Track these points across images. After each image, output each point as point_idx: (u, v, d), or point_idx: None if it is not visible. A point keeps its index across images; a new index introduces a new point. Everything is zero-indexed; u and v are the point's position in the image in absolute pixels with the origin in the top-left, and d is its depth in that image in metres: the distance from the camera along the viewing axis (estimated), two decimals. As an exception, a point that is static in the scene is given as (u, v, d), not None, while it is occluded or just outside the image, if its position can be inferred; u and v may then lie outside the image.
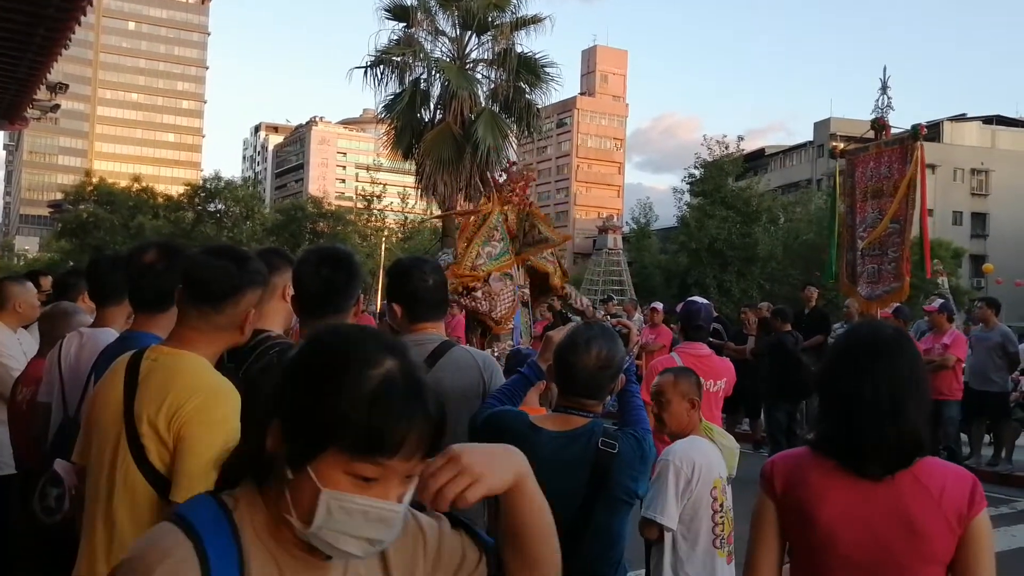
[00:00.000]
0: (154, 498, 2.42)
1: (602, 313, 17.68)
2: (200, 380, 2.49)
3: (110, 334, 3.61)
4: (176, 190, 67.28)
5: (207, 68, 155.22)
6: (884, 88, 11.69)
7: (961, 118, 70.80)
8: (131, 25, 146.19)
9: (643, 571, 3.94)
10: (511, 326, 8.09)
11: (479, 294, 8.27)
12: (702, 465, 3.90)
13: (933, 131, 63.52)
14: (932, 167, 59.11)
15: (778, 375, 11.33)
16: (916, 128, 10.77)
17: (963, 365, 11.26)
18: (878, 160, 11.17)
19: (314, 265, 3.01)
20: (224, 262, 2.61)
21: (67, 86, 14.17)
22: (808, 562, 2.28)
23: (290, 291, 3.22)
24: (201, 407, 2.41)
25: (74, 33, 9.22)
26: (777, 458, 2.41)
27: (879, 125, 11.51)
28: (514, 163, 12.64)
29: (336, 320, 3.05)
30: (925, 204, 10.64)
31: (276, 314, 3.40)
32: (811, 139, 71.02)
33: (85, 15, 8.93)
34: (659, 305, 14.76)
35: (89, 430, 2.63)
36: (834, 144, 13.21)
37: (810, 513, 2.22)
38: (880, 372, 2.22)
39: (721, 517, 3.94)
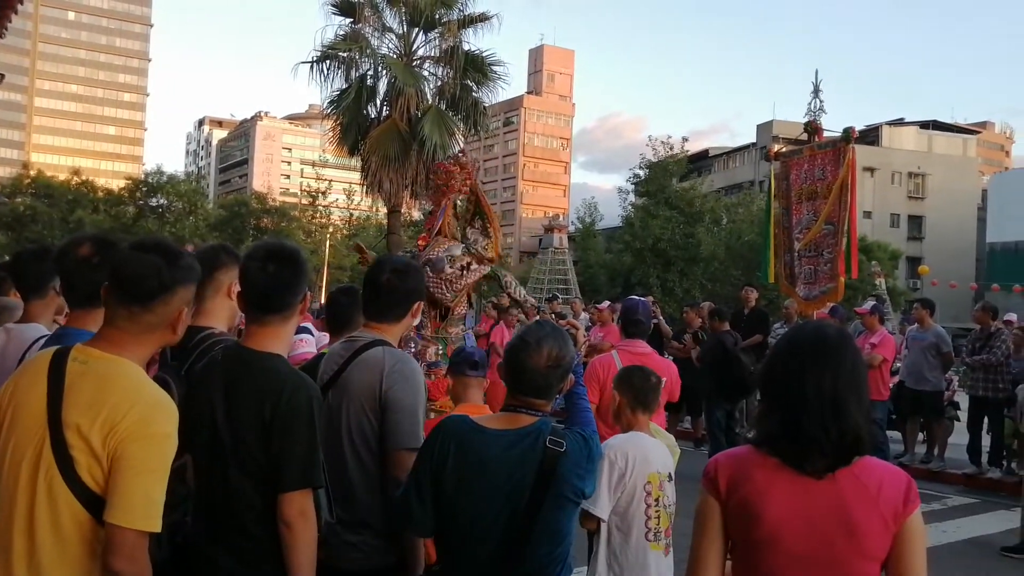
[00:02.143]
0: (81, 514, 2.28)
1: (546, 310, 17.67)
2: (138, 392, 2.35)
3: (38, 330, 3.55)
4: (117, 184, 66.15)
5: (149, 60, 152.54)
6: (816, 91, 11.86)
7: (899, 122, 72.11)
8: (71, 15, 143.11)
9: (586, 568, 3.97)
10: (463, 310, 7.96)
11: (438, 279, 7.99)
12: (635, 457, 3.99)
13: (872, 135, 64.72)
14: (871, 170, 60.28)
15: (718, 374, 11.46)
16: (847, 131, 10.93)
17: (890, 366, 11.48)
18: (812, 162, 11.32)
19: (261, 261, 2.92)
20: (153, 257, 2.44)
21: (3, 76, 13.90)
22: (751, 558, 2.30)
23: (236, 288, 3.12)
24: (140, 422, 2.28)
25: (11, 22, 9.05)
26: (720, 457, 2.42)
27: (812, 128, 11.68)
28: (463, 151, 12.53)
29: (281, 318, 2.98)
30: (854, 206, 10.81)
31: (221, 311, 3.36)
32: (754, 141, 71.82)
33: (23, 3, 8.78)
34: (604, 304, 14.70)
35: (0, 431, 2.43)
36: (770, 147, 13.35)
37: (755, 510, 2.24)
38: (824, 371, 2.24)
39: (655, 511, 3.99)
